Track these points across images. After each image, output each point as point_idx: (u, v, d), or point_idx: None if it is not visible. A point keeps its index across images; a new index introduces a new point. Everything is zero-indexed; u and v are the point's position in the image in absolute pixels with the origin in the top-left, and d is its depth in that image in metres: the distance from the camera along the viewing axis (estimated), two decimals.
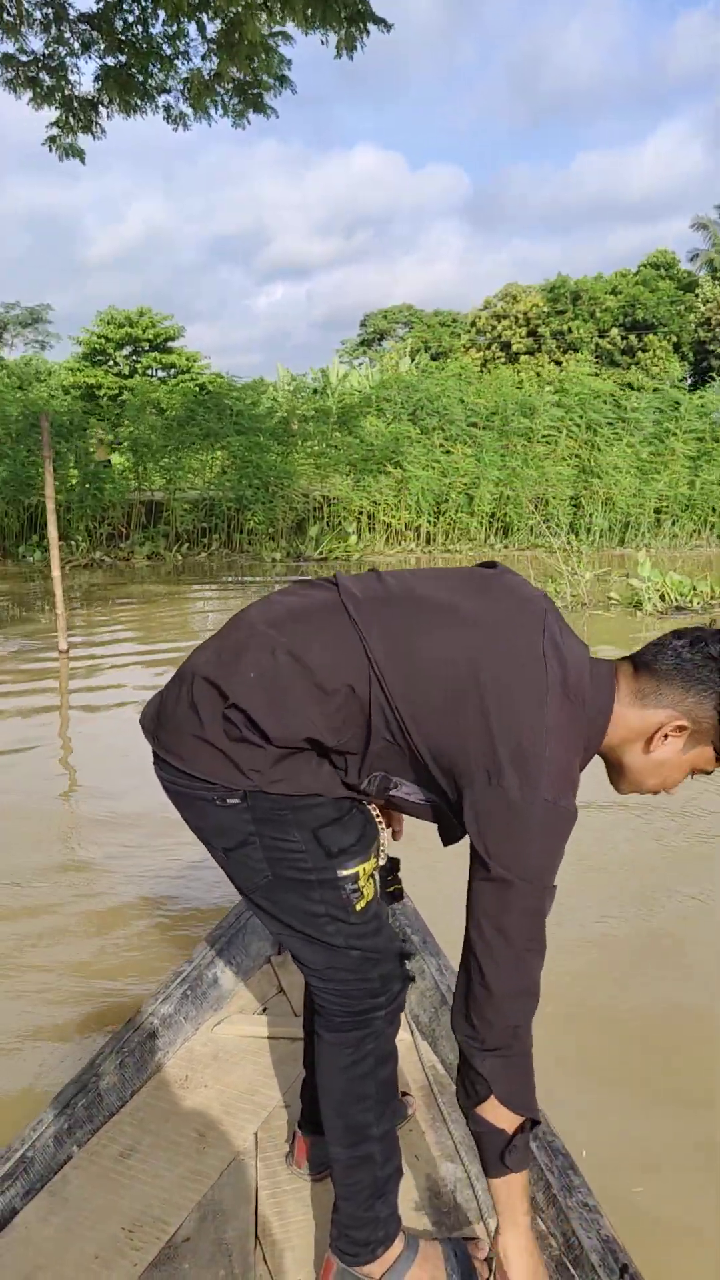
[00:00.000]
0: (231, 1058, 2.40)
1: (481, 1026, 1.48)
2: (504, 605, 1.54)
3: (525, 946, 1.45)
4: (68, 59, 11.50)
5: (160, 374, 44.46)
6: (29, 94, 11.67)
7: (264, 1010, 2.61)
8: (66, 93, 11.62)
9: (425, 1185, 1.99)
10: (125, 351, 45.66)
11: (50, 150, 11.87)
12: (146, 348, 45.46)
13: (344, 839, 1.55)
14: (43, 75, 11.57)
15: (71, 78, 11.54)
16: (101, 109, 11.76)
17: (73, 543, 16.57)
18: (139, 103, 11.83)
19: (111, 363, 45.36)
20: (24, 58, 11.44)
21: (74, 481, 16.94)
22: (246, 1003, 2.64)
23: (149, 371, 44.03)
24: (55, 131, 11.75)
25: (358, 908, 1.59)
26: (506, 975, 1.45)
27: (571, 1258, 1.70)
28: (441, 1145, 2.10)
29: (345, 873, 1.56)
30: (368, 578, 1.63)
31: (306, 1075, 1.95)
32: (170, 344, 45.98)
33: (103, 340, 44.93)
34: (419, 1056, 2.40)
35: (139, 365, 44.89)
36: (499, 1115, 1.50)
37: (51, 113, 11.72)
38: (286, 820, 1.52)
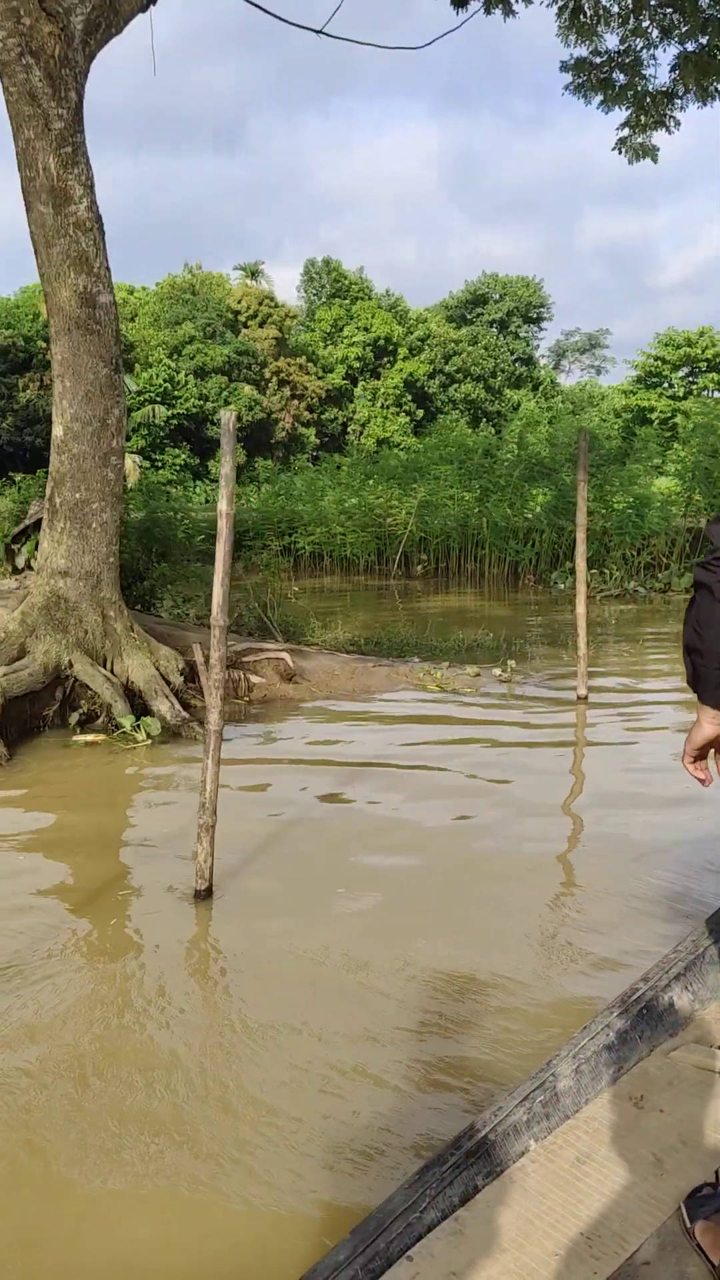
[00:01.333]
0: (689, 1087, 2.32)
1: None
2: None
3: None
4: (643, 52, 10.69)
5: (718, 394, 42.19)
6: (599, 97, 11.07)
7: None
8: (639, 89, 10.81)
9: None
10: (681, 373, 44.12)
11: (620, 153, 11.14)
12: (704, 368, 43.47)
13: None
14: (615, 74, 10.88)
15: (646, 71, 10.69)
16: (676, 100, 10.79)
17: (605, 571, 15.67)
18: (719, 87, 10.67)
19: (666, 385, 44.10)
20: (597, 59, 10.85)
21: (618, 506, 16.11)
22: (704, 1033, 2.54)
23: (704, 392, 42.01)
24: (625, 132, 11.00)
25: None
26: None
27: None
28: None
29: None
30: None
31: None
32: None
33: (658, 362, 43.87)
34: None
35: (695, 387, 43.08)
36: None
37: (621, 114, 11.00)
38: None
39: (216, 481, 34.25)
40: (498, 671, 8.43)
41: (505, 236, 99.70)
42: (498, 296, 57.41)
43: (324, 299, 57.78)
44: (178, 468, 46.36)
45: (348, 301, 56.24)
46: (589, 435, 16.96)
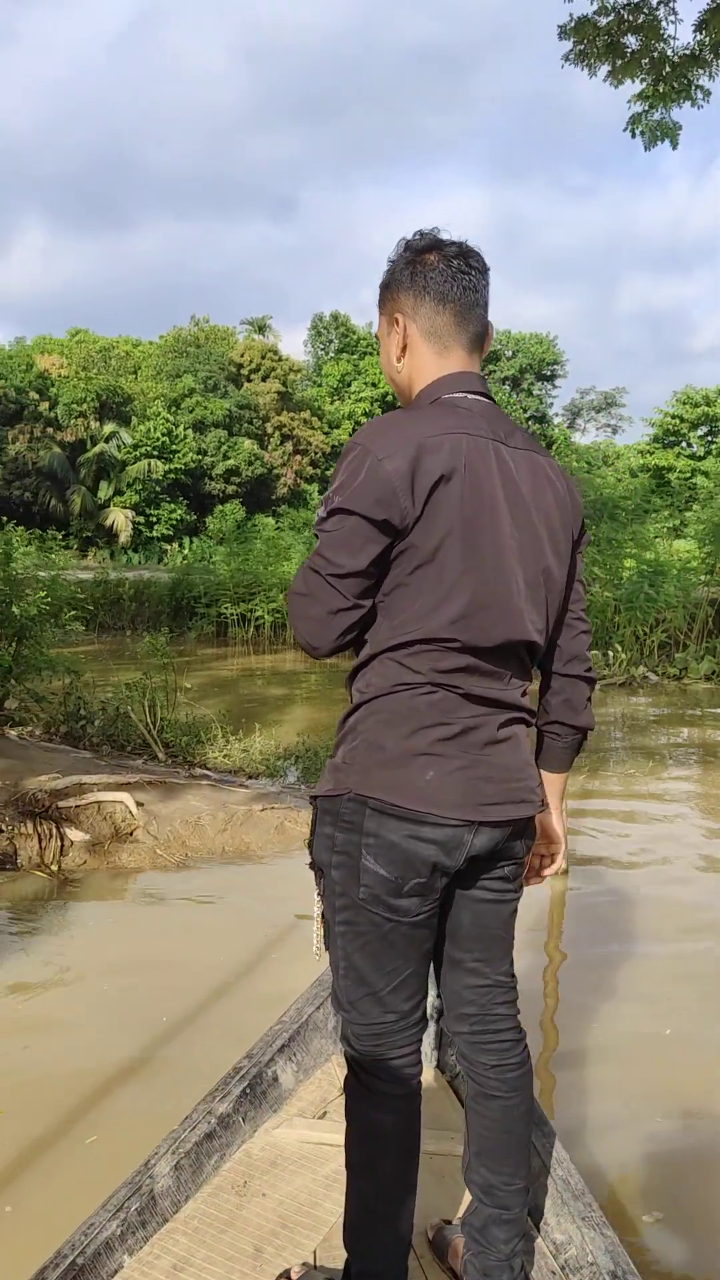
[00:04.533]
0: (291, 1165, 2.21)
1: None
2: None
3: None
4: (660, 9, 8.47)
5: None
6: (606, 67, 8.83)
7: (324, 1114, 2.39)
8: (656, 54, 8.57)
9: None
10: (700, 432, 41.99)
11: (633, 136, 8.85)
12: None
13: None
14: (626, 38, 8.65)
15: (665, 30, 8.46)
16: (703, 67, 8.54)
17: (610, 653, 13.03)
18: None
19: (685, 444, 41.93)
20: (603, 19, 8.63)
21: (626, 575, 13.62)
22: (306, 1105, 2.42)
23: None
24: (639, 108, 8.74)
25: None
26: None
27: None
28: None
29: None
30: None
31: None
32: None
33: (677, 421, 41.73)
34: None
35: (715, 446, 40.89)
36: None
37: (635, 86, 8.77)
38: None
39: (213, 538, 30.80)
40: None
41: (542, 299, 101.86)
42: (510, 353, 55.71)
43: (331, 354, 56.18)
44: (174, 523, 44.33)
45: (355, 357, 54.58)
46: (600, 493, 14.54)
